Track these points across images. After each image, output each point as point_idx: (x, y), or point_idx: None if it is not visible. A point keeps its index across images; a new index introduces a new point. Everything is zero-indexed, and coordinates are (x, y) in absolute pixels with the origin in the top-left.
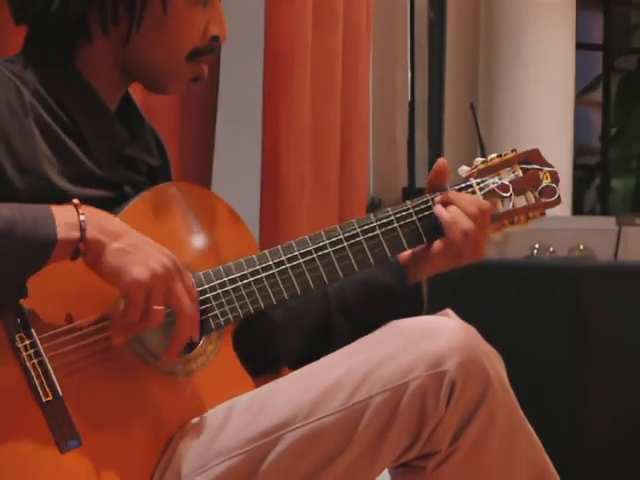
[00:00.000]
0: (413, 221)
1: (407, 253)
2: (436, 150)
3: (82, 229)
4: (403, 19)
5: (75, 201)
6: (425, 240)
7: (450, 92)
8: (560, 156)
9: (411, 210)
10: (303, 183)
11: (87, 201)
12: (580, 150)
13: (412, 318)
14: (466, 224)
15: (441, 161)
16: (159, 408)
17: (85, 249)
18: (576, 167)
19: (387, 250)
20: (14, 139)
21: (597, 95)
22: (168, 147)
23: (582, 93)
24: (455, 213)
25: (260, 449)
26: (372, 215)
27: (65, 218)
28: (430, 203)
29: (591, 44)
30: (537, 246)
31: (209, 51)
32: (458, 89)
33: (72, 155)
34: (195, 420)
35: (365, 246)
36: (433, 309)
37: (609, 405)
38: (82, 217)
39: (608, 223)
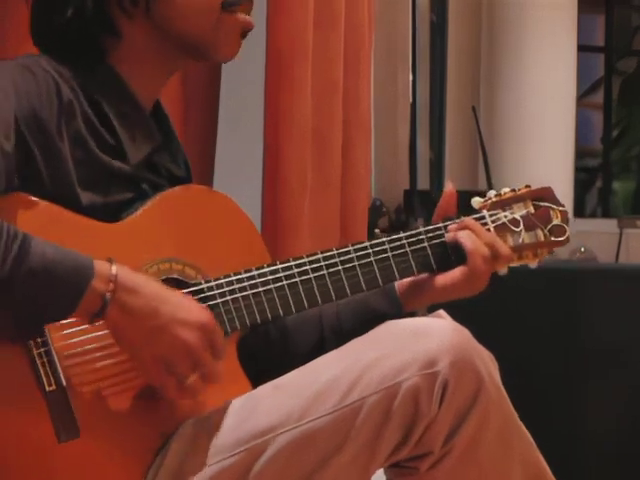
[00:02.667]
0: (424, 247)
1: (406, 282)
2: (438, 152)
3: (105, 304)
4: (405, 21)
5: (113, 270)
6: (435, 268)
7: (452, 94)
8: (561, 158)
9: (423, 236)
10: (305, 184)
11: (107, 205)
12: (582, 152)
13: (404, 319)
14: (486, 251)
15: (450, 187)
16: (158, 407)
17: (103, 323)
18: (577, 169)
19: (396, 273)
20: (50, 134)
21: (599, 97)
22: None
23: (584, 95)
24: (477, 241)
25: (253, 450)
26: (384, 237)
27: (97, 283)
28: (443, 231)
29: (593, 46)
30: None
31: None
32: (460, 91)
33: (97, 161)
34: (191, 420)
35: (375, 267)
36: (429, 311)
37: (609, 407)
38: (108, 295)
39: (609, 226)
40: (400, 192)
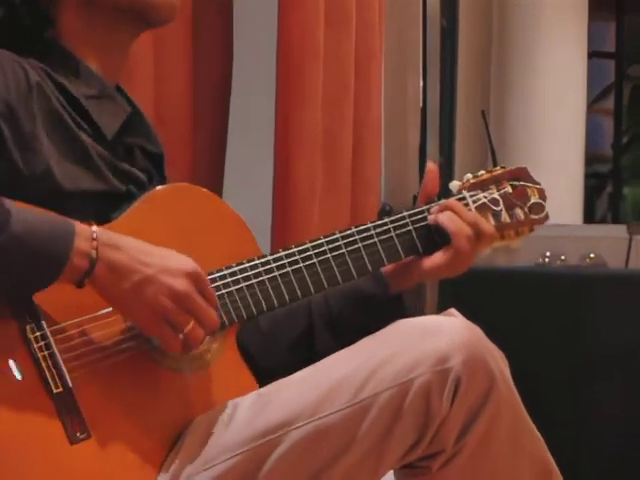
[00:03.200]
0: (409, 230)
1: (391, 264)
2: (447, 157)
3: (92, 263)
4: (416, 26)
5: (93, 228)
6: (421, 251)
7: (462, 99)
8: (572, 164)
9: (407, 220)
10: (315, 187)
11: (90, 193)
12: (592, 158)
13: (416, 318)
14: (469, 231)
15: (431, 165)
16: (165, 404)
17: (91, 284)
18: (588, 175)
19: (384, 258)
20: (20, 117)
21: (609, 103)
22: (180, 151)
23: (594, 101)
24: (458, 221)
25: (264, 447)
26: (369, 222)
27: (80, 242)
28: (426, 214)
29: (603, 52)
30: (548, 254)
31: None
32: (470, 96)
33: (80, 139)
34: (200, 417)
35: (363, 253)
36: (439, 310)
37: (616, 411)
38: (93, 252)
39: (619, 231)
40: (409, 197)
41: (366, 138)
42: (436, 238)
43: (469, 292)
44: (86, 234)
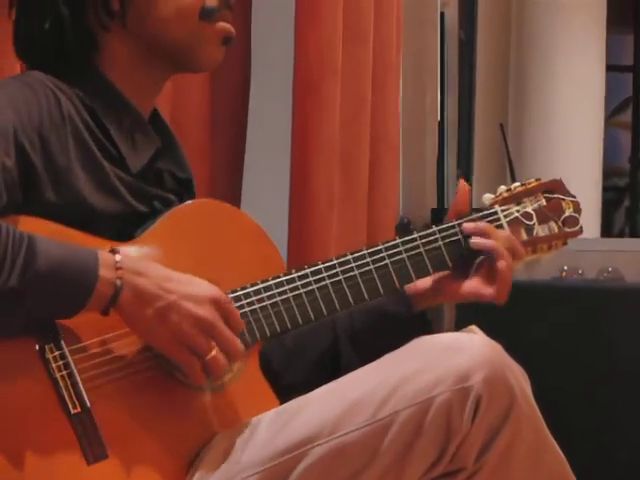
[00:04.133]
0: (438, 246)
1: (419, 281)
2: (465, 170)
3: (117, 291)
4: (434, 39)
5: (117, 257)
6: (450, 266)
7: (480, 112)
8: (589, 177)
9: (437, 235)
10: (332, 202)
11: (117, 217)
12: (609, 172)
13: (437, 335)
14: (508, 257)
15: (463, 184)
16: (185, 423)
17: (115, 311)
18: (605, 189)
19: (412, 273)
20: (53, 150)
21: (627, 117)
22: (198, 165)
23: (612, 115)
24: (500, 247)
25: (285, 464)
26: (397, 238)
27: (105, 271)
28: (457, 229)
29: (621, 66)
30: (566, 268)
31: (223, 7)
32: (488, 109)
33: (104, 170)
34: (220, 435)
35: (390, 269)
36: (457, 328)
37: (635, 426)
38: (118, 281)
39: (637, 245)
40: (427, 210)
41: (384, 152)
42: (466, 253)
43: (486, 306)
44: (110, 262)
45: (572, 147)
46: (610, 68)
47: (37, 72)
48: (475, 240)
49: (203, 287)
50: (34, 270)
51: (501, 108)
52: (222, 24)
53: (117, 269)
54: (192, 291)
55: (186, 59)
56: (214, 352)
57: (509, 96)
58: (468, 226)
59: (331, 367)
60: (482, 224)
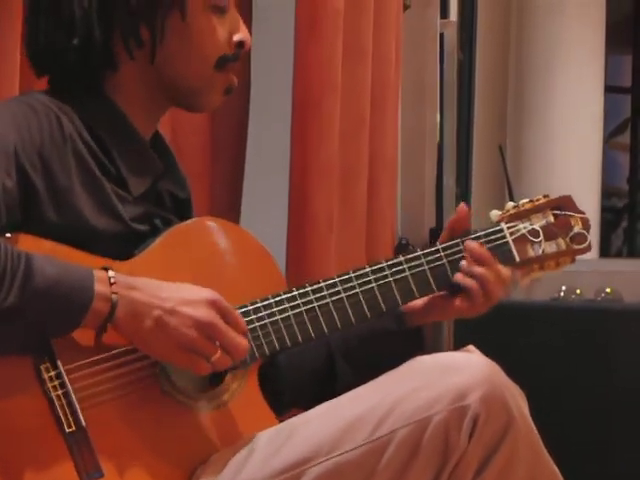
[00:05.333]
0: (443, 264)
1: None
2: (464, 191)
3: (113, 306)
4: (432, 60)
5: (110, 273)
6: (435, 289)
7: (479, 134)
8: (588, 198)
9: (441, 253)
10: (331, 221)
11: (117, 237)
12: (608, 192)
13: (435, 354)
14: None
15: (463, 207)
16: (182, 442)
17: (113, 327)
18: (604, 209)
19: (415, 291)
20: (54, 170)
21: (625, 138)
22: (198, 185)
23: (610, 136)
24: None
25: None
26: (401, 256)
27: (100, 287)
28: (461, 246)
29: (620, 87)
30: (564, 288)
31: (236, 58)
32: (487, 131)
33: (105, 191)
34: (217, 454)
35: (393, 287)
36: (456, 347)
37: (634, 447)
38: (114, 296)
39: (635, 265)
40: (426, 231)
41: (382, 172)
42: (452, 276)
43: (485, 325)
44: (104, 278)
45: (571, 168)
46: (609, 89)
47: (38, 93)
48: (457, 277)
49: (197, 291)
50: (32, 288)
51: (500, 129)
52: (230, 75)
53: (111, 284)
54: (187, 295)
55: (190, 101)
56: (219, 353)
57: (508, 117)
58: (471, 246)
59: (329, 383)
60: (483, 251)
